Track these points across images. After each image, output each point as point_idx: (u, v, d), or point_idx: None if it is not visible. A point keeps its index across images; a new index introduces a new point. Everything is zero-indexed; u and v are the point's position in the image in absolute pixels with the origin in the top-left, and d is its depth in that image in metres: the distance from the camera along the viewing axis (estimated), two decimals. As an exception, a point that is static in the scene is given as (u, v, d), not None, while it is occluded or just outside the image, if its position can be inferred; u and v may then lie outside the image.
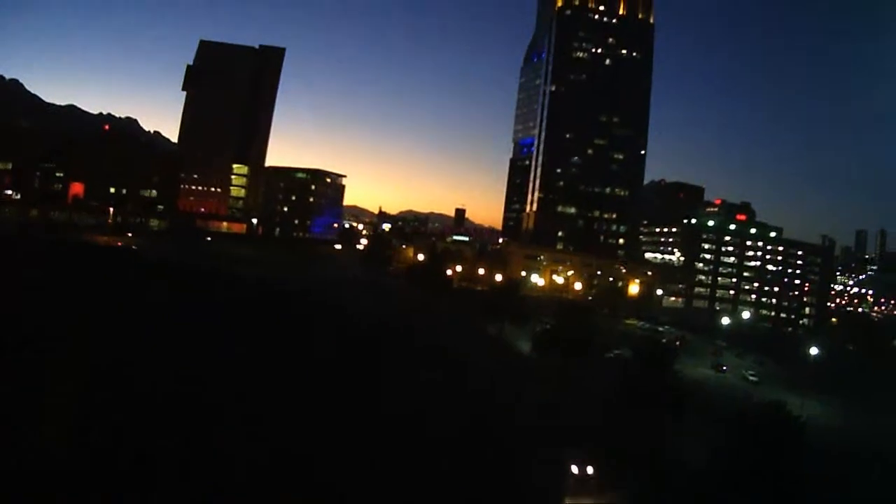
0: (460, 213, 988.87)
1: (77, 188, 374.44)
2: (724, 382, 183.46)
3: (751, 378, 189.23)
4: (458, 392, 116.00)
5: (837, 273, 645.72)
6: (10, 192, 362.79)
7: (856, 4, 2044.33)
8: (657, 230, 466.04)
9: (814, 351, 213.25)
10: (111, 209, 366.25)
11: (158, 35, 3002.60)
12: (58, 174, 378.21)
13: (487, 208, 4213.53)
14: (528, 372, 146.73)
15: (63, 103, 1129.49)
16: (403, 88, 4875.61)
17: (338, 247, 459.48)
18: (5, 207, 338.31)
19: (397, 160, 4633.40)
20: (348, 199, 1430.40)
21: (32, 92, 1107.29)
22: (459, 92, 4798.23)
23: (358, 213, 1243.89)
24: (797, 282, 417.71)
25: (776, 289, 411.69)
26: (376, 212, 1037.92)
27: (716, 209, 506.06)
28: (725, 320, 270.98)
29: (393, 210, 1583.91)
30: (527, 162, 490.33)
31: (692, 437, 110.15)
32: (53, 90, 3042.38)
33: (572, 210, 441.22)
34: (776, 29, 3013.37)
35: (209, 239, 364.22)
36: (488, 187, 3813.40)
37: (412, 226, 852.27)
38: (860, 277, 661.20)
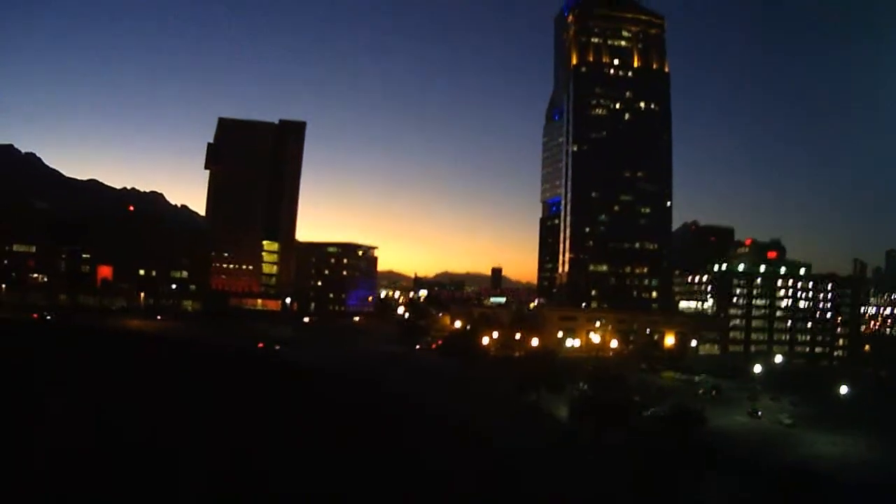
0: (496, 272, 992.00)
1: (105, 271, 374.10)
2: (759, 428, 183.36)
3: (785, 421, 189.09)
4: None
5: (871, 296, 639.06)
6: (35, 275, 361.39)
7: (879, 35, 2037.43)
8: (689, 279, 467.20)
9: (843, 389, 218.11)
10: (142, 292, 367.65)
11: (182, 108, 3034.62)
12: (84, 255, 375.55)
13: (524, 263, 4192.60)
14: (559, 449, 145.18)
15: (84, 178, 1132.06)
16: (431, 152, 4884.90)
17: (375, 318, 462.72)
18: (32, 292, 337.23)
19: (430, 223, 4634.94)
20: (384, 265, 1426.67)
21: (52, 167, 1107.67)
22: (487, 151, 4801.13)
23: (394, 278, 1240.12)
24: (829, 315, 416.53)
25: (809, 325, 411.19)
26: (412, 276, 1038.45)
27: (747, 250, 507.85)
28: (757, 368, 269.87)
29: (429, 273, 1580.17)
30: (556, 221, 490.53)
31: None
32: (74, 165, 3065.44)
33: (604, 267, 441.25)
34: (790, 59, 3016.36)
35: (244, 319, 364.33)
36: (523, 243, 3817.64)
37: (449, 290, 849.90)
38: (893, 297, 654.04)
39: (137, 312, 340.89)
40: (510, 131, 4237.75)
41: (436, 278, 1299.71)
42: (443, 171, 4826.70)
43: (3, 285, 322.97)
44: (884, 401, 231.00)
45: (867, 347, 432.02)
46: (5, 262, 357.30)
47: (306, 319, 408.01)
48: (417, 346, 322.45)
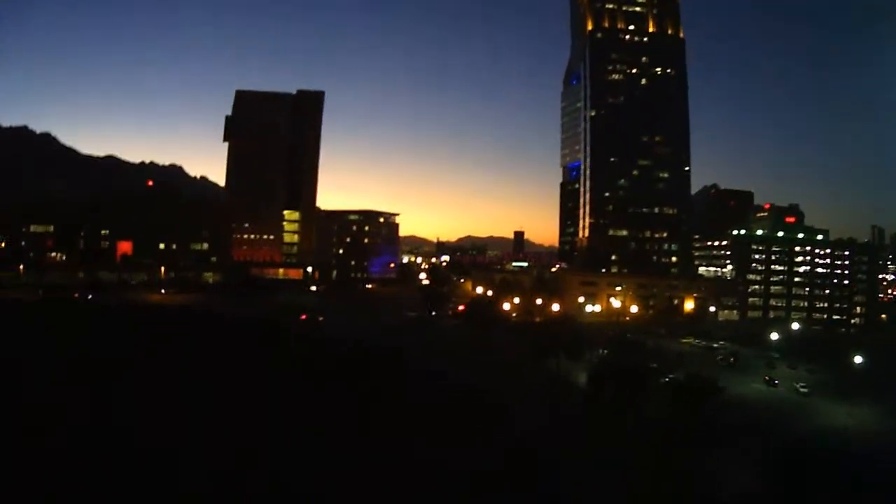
0: (519, 236, 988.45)
1: (125, 246, 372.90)
2: (775, 397, 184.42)
3: (801, 390, 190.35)
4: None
5: (889, 263, 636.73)
6: (53, 254, 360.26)
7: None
8: (708, 243, 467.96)
9: (861, 358, 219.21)
10: (162, 266, 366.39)
11: (199, 81, 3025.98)
12: (103, 232, 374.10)
13: (546, 226, 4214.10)
14: (576, 419, 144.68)
15: (101, 154, 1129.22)
16: (452, 118, 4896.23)
17: (398, 284, 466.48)
18: (51, 271, 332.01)
19: (452, 188, 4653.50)
20: (407, 231, 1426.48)
21: (67, 145, 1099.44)
22: (508, 116, 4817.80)
23: (417, 243, 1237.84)
24: (846, 282, 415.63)
25: (826, 291, 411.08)
26: (435, 240, 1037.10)
27: (765, 214, 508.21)
28: (774, 335, 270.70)
29: (452, 237, 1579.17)
30: (576, 185, 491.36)
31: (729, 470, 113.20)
32: (90, 142, 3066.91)
33: (623, 232, 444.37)
34: (810, 23, 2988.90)
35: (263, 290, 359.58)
36: (545, 206, 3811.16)
37: (471, 255, 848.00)
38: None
39: (157, 286, 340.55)
40: (530, 96, 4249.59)
41: (458, 242, 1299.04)
42: (464, 136, 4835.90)
43: (21, 266, 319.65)
44: None
45: (884, 316, 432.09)
46: (23, 243, 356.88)
47: (313, 288, 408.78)
48: (434, 313, 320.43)
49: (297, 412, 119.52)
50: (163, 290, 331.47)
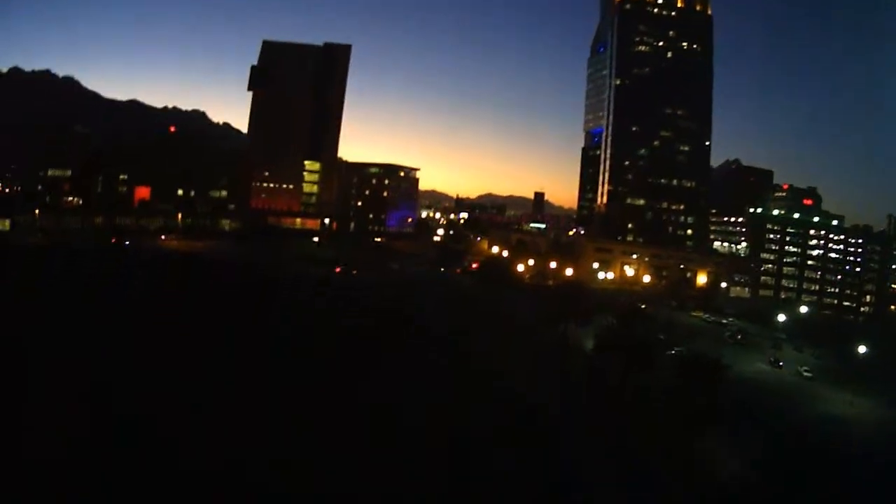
0: (539, 197, 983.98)
1: (143, 192, 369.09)
2: (778, 379, 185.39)
3: (805, 374, 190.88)
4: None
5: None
6: (71, 198, 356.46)
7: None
8: (725, 219, 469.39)
9: (862, 349, 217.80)
10: (179, 213, 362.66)
11: (224, 28, 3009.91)
12: (122, 177, 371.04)
13: (566, 189, 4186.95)
14: (578, 385, 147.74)
15: (124, 99, 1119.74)
16: (478, 77, 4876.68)
17: (415, 239, 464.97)
18: (67, 216, 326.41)
19: (475, 146, 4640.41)
20: (427, 185, 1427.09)
21: (90, 89, 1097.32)
22: (534, 79, 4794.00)
23: (437, 198, 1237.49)
24: (858, 270, 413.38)
25: (838, 278, 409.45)
26: (455, 196, 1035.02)
27: (784, 194, 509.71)
28: (782, 317, 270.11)
29: (472, 194, 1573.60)
30: (597, 151, 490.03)
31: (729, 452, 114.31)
32: (114, 86, 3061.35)
33: (641, 202, 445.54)
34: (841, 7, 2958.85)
35: (278, 240, 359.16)
36: (567, 168, 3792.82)
37: (489, 213, 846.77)
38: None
39: (173, 232, 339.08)
40: (557, 59, 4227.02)
41: (478, 200, 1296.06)
42: (489, 95, 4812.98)
43: (37, 210, 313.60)
44: None
45: (893, 307, 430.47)
46: (39, 187, 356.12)
47: (315, 239, 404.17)
48: (442, 269, 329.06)
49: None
50: (162, 237, 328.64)
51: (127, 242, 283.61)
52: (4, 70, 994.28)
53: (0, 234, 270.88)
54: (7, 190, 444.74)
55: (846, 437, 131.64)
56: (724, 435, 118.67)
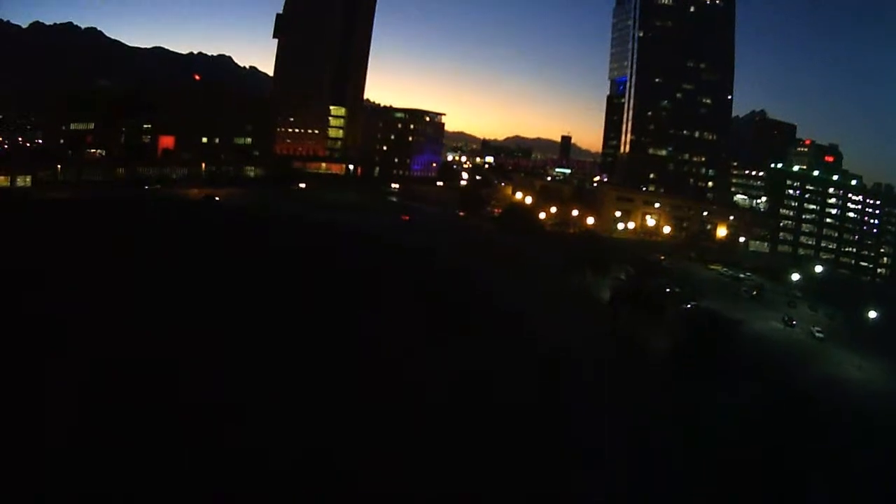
0: (566, 140, 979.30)
1: (167, 141, 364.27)
2: (790, 338, 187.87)
3: (817, 334, 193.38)
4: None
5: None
6: (94, 150, 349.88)
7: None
8: (746, 172, 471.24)
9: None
10: (202, 162, 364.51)
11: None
12: (146, 126, 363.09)
13: (593, 133, 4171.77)
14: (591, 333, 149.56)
15: (149, 46, 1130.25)
16: (507, 18, 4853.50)
17: (439, 184, 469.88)
18: (89, 168, 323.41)
19: (503, 88, 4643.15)
20: (455, 127, 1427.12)
21: (114, 38, 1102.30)
22: (563, 22, 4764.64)
23: (465, 139, 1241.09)
24: (875, 231, 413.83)
25: (856, 237, 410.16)
26: (482, 137, 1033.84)
27: (805, 149, 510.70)
28: (795, 278, 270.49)
29: (500, 136, 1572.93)
30: (622, 100, 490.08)
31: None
32: (137, 34, 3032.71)
33: (663, 152, 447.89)
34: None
35: (303, 186, 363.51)
36: (593, 113, 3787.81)
37: (515, 157, 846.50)
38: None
39: (196, 181, 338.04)
40: (584, 4, 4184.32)
41: (505, 142, 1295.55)
42: (518, 40, 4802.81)
43: (59, 165, 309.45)
44: None
45: None
46: (61, 140, 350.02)
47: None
48: (461, 213, 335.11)
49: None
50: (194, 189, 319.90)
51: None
52: (25, 25, 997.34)
53: (21, 189, 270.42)
54: (29, 145, 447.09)
55: (846, 400, 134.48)
56: (718, 390, 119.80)
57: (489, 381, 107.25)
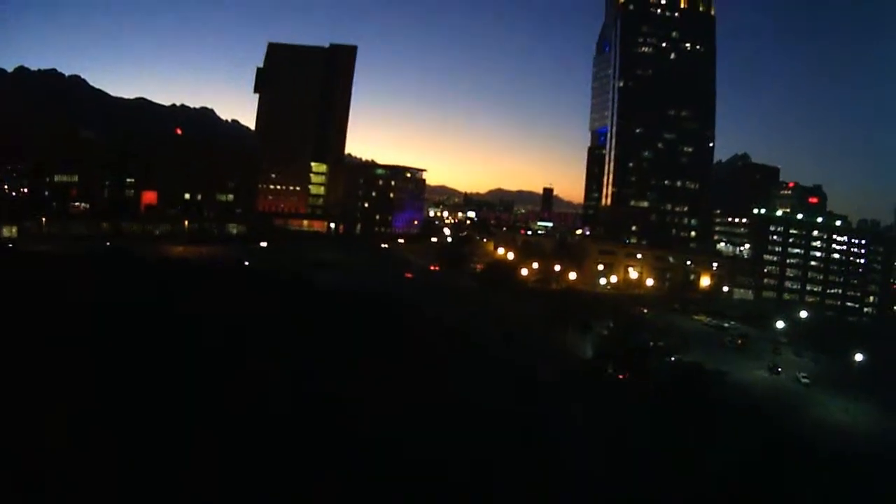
0: (548, 193, 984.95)
1: (150, 196, 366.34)
2: (776, 385, 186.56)
3: (803, 380, 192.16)
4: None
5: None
6: (78, 203, 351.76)
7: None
8: (729, 219, 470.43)
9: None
10: (185, 219, 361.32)
11: (231, 27, 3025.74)
12: (129, 180, 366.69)
13: (576, 184, 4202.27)
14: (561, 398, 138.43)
15: (131, 97, 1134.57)
16: (487, 74, 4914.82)
17: (421, 240, 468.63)
18: (74, 221, 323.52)
19: (485, 141, 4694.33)
20: (437, 180, 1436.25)
21: (97, 87, 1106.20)
22: (545, 74, 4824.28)
23: (447, 193, 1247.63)
24: (861, 270, 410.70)
25: (841, 279, 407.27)
26: (465, 191, 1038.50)
27: (789, 192, 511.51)
28: (780, 324, 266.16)
29: (482, 189, 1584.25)
30: (603, 151, 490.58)
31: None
32: (120, 84, 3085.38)
33: (645, 204, 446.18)
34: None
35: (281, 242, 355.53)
36: (576, 163, 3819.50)
37: (498, 211, 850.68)
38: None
39: (180, 238, 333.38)
40: (566, 55, 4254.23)
41: (487, 195, 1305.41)
42: (499, 92, 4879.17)
43: (44, 218, 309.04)
44: None
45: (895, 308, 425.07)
46: (46, 193, 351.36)
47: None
48: (432, 267, 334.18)
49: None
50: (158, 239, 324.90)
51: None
52: (10, 69, 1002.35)
53: (9, 240, 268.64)
54: (14, 194, 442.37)
55: (830, 443, 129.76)
56: (702, 437, 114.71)
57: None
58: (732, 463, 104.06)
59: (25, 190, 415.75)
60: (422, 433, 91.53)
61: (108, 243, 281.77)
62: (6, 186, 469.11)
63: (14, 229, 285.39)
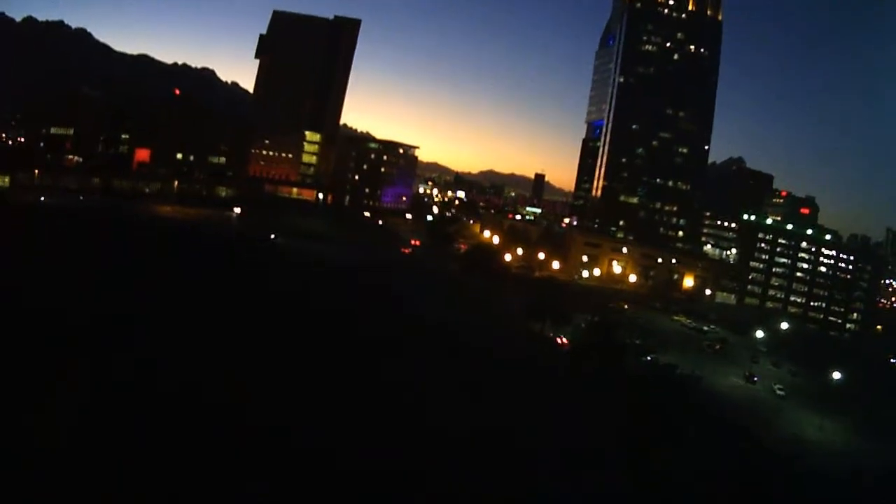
0: (539, 179, 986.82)
1: (143, 154, 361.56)
2: (750, 395, 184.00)
3: (778, 392, 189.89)
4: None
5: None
6: (71, 157, 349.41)
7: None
8: (718, 223, 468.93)
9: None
10: (175, 179, 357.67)
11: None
12: (123, 137, 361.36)
13: (567, 172, 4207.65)
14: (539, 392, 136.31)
15: (135, 53, 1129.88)
16: (489, 55, 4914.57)
17: (408, 216, 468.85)
18: (66, 175, 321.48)
19: (481, 122, 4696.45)
20: (430, 157, 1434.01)
21: (101, 41, 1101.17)
22: (546, 61, 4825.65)
23: (439, 170, 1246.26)
24: (847, 286, 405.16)
25: (825, 293, 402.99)
26: (457, 170, 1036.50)
27: (781, 201, 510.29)
28: (760, 333, 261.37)
29: (474, 169, 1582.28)
30: (598, 143, 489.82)
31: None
32: (124, 39, 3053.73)
33: (634, 200, 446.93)
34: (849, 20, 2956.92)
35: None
36: (569, 151, 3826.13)
37: (487, 194, 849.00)
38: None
39: (169, 198, 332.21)
40: (568, 45, 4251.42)
41: (479, 176, 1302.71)
42: (498, 75, 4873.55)
43: (37, 170, 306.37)
44: (886, 389, 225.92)
45: (879, 327, 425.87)
46: (41, 144, 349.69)
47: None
48: (410, 248, 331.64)
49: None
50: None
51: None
52: (18, 19, 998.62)
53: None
54: (11, 143, 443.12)
55: (801, 461, 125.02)
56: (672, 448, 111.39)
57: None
58: (696, 472, 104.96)
59: (21, 139, 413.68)
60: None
61: (96, 199, 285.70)
62: (3, 135, 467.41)
63: (7, 179, 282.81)
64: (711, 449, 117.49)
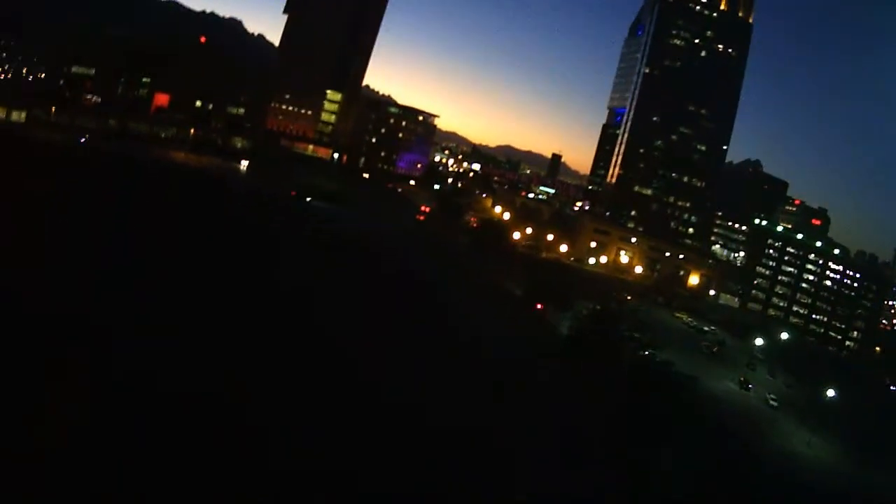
0: (556, 158, 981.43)
1: (162, 99, 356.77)
2: (744, 402, 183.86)
3: (772, 402, 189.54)
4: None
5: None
6: (90, 96, 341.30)
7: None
8: (730, 224, 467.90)
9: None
10: (192, 127, 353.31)
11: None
12: (144, 80, 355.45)
13: (585, 155, 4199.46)
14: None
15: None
16: (518, 31, 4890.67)
17: (412, 182, 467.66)
18: (83, 114, 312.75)
19: (503, 97, 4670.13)
20: (449, 127, 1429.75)
21: None
22: (572, 43, 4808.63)
23: (457, 140, 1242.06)
24: (850, 303, 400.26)
25: (829, 307, 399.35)
26: (475, 142, 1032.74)
27: (794, 209, 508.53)
28: (759, 340, 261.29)
29: (492, 142, 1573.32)
30: (617, 131, 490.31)
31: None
32: None
33: (648, 192, 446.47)
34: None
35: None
36: (588, 134, 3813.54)
37: (503, 169, 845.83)
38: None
39: (183, 145, 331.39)
40: (597, 29, 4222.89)
41: (496, 149, 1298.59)
42: (525, 52, 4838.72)
43: (53, 107, 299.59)
44: (880, 412, 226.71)
45: (878, 349, 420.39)
46: (61, 82, 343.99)
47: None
48: (423, 215, 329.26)
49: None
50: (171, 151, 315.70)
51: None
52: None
53: (12, 125, 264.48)
54: (31, 78, 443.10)
55: (790, 476, 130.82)
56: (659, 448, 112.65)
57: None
58: (683, 471, 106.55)
59: (42, 76, 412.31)
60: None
61: (109, 140, 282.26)
62: (25, 69, 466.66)
63: (23, 114, 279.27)
64: (700, 451, 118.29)
